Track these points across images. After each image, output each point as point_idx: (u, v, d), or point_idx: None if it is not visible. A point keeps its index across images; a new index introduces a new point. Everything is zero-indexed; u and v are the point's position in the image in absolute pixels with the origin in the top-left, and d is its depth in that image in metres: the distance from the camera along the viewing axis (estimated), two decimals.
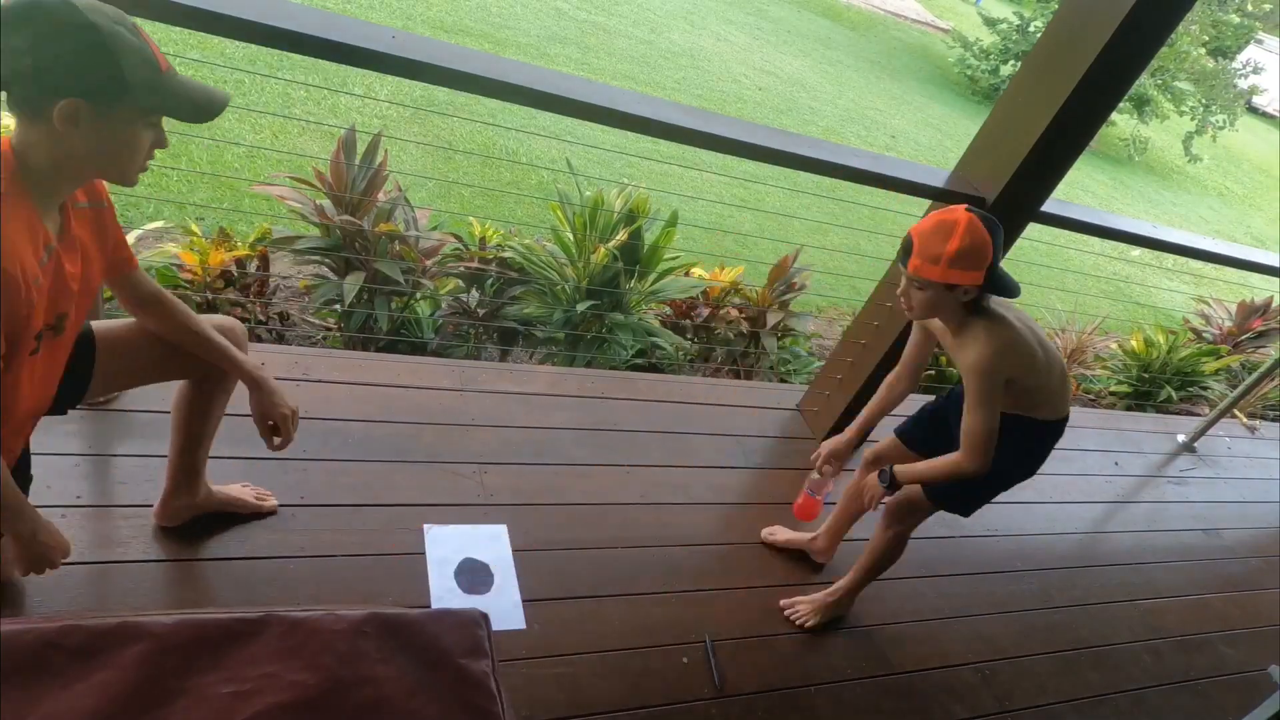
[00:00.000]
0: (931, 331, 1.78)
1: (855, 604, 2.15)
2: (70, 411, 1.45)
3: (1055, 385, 1.70)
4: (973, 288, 1.50)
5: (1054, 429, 1.75)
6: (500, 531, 2.04)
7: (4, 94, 0.95)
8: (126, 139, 1.02)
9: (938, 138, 9.73)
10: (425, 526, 1.97)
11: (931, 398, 2.11)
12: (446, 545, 1.96)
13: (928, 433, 1.97)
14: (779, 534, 2.28)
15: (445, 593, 1.85)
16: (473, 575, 1.92)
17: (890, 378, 1.97)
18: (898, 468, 1.73)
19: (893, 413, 2.02)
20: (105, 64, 0.95)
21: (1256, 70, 13.81)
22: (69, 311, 1.12)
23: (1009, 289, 1.53)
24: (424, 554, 1.89)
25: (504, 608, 1.88)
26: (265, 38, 1.45)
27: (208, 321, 1.42)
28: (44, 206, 1.02)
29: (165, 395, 1.61)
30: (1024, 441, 1.74)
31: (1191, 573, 2.92)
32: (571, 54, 7.65)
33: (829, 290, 5.41)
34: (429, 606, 1.77)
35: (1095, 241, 2.89)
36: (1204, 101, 12.56)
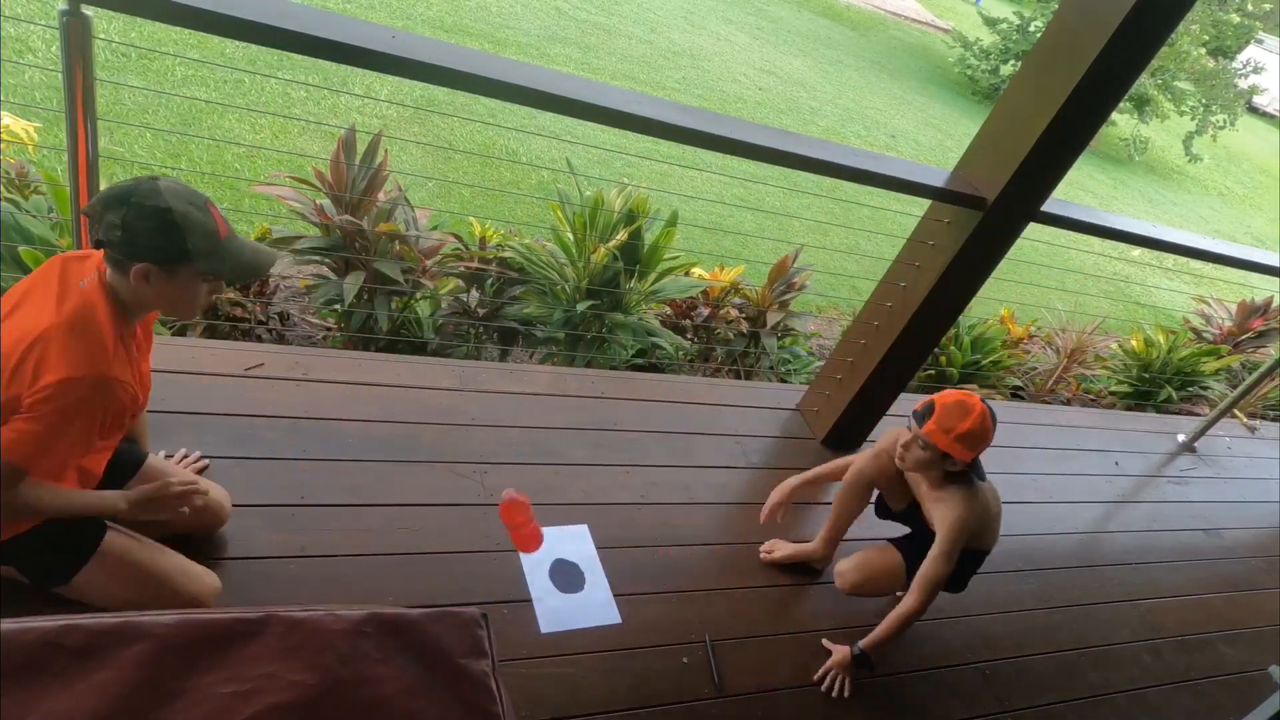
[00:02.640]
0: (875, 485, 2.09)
1: (855, 604, 2.16)
2: None
3: (995, 528, 2.03)
4: (961, 462, 1.80)
5: (983, 556, 2.08)
6: (583, 531, 2.11)
7: (103, 251, 1.25)
8: (186, 292, 1.31)
9: (938, 138, 9.73)
10: None
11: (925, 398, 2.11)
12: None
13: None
14: (777, 551, 2.25)
15: (545, 593, 1.93)
16: (566, 575, 1.99)
17: (846, 484, 2.13)
18: (865, 644, 1.92)
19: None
20: (174, 239, 1.23)
21: (1257, 70, 13.80)
22: (135, 401, 1.38)
23: (981, 474, 1.91)
24: (421, 553, 1.89)
25: (599, 603, 1.96)
26: (265, 38, 1.45)
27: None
28: (127, 325, 1.34)
29: (166, 397, 1.60)
30: (963, 565, 2.01)
31: (1192, 573, 2.92)
32: (571, 54, 7.65)
33: (829, 290, 5.41)
34: (469, 609, 1.76)
35: (1095, 241, 2.89)
36: (1204, 101, 12.56)
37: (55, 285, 1.28)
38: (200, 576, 1.55)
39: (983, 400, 1.78)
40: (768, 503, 2.10)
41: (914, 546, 2.06)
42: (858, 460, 2.08)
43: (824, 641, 2.05)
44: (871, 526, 2.20)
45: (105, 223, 1.21)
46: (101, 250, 1.27)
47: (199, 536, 1.71)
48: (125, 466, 1.57)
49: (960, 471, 1.86)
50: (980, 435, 1.76)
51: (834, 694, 1.96)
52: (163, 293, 1.28)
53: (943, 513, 1.86)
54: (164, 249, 1.23)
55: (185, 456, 1.87)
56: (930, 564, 1.85)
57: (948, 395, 1.80)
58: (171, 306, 1.33)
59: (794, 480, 2.11)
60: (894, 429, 1.99)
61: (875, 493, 2.14)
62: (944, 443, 1.75)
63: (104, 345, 1.24)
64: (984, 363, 4.07)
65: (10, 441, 1.21)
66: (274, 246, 2.88)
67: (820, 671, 1.99)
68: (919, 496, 1.98)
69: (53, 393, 1.20)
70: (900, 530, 2.15)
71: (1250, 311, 5.04)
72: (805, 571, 2.25)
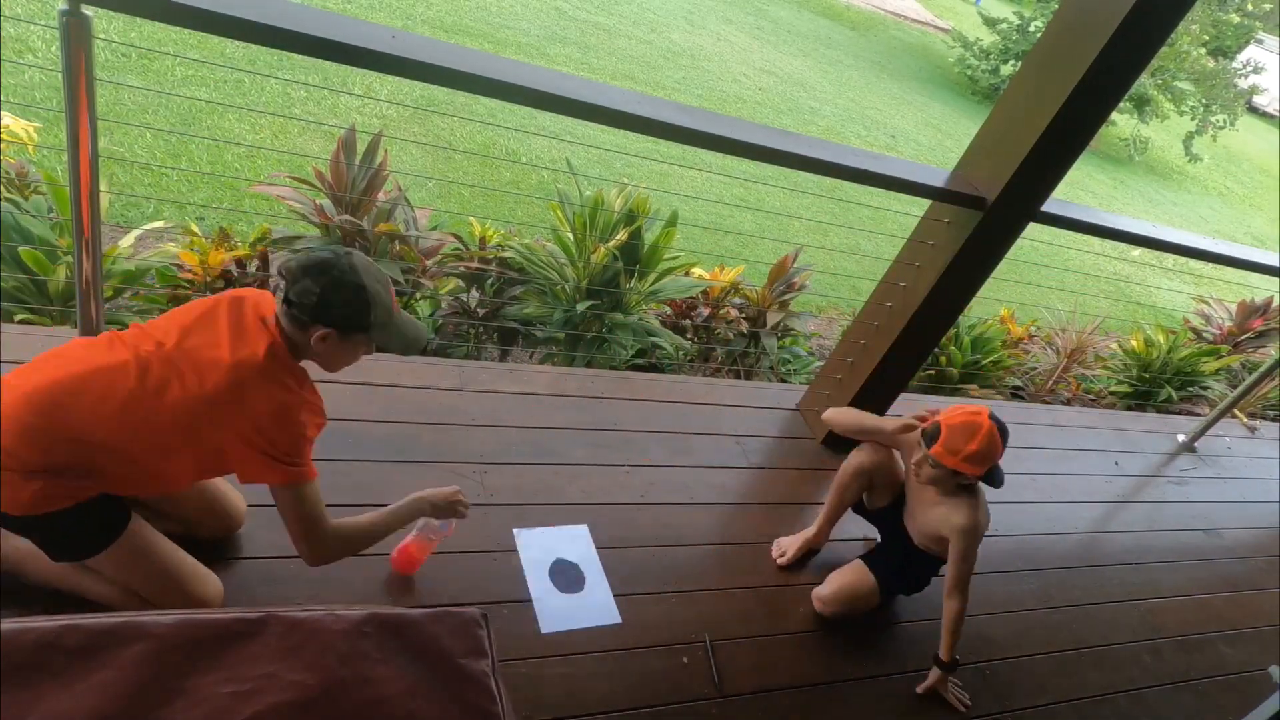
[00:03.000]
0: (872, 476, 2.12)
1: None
2: None
3: None
4: (972, 478, 1.85)
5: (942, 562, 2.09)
6: (583, 531, 2.11)
7: (284, 306, 1.34)
8: (350, 353, 1.44)
9: (938, 138, 9.73)
10: (515, 531, 2.03)
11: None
12: (536, 547, 2.02)
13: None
14: (789, 551, 2.25)
15: (545, 593, 1.93)
16: (566, 575, 1.99)
17: (844, 474, 2.16)
18: (944, 655, 2.00)
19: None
20: (362, 313, 1.36)
21: (1256, 70, 13.79)
22: None
23: (997, 482, 1.88)
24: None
25: (600, 604, 1.96)
26: (265, 38, 1.45)
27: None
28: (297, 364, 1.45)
29: None
30: (932, 567, 2.12)
31: (1191, 573, 2.92)
32: (571, 54, 7.65)
33: (829, 290, 5.41)
34: (466, 614, 1.76)
35: (1095, 241, 2.89)
36: (1204, 101, 12.56)
37: (233, 320, 1.37)
38: (208, 580, 1.57)
39: (991, 415, 1.82)
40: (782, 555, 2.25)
41: (883, 559, 2.12)
42: (856, 452, 2.12)
43: (918, 689, 2.06)
44: (841, 527, 2.27)
45: (300, 286, 1.31)
46: (269, 296, 1.39)
47: (207, 538, 1.71)
48: None
49: (968, 486, 1.92)
50: (988, 454, 1.81)
51: (961, 707, 2.05)
52: (331, 352, 1.40)
53: (954, 516, 1.90)
54: (351, 320, 1.36)
55: None
56: (955, 567, 1.92)
57: (954, 415, 1.83)
58: (329, 363, 1.45)
59: (816, 532, 2.24)
60: (891, 419, 2.03)
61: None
62: (952, 463, 1.81)
63: (291, 380, 1.38)
64: (984, 363, 4.07)
65: (287, 475, 1.38)
66: (274, 247, 2.89)
67: (944, 694, 2.05)
68: (915, 501, 2.04)
69: (275, 424, 1.34)
70: (869, 529, 2.23)
71: (1250, 311, 5.04)
72: (805, 571, 2.25)
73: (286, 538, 1.79)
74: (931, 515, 1.96)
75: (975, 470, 1.82)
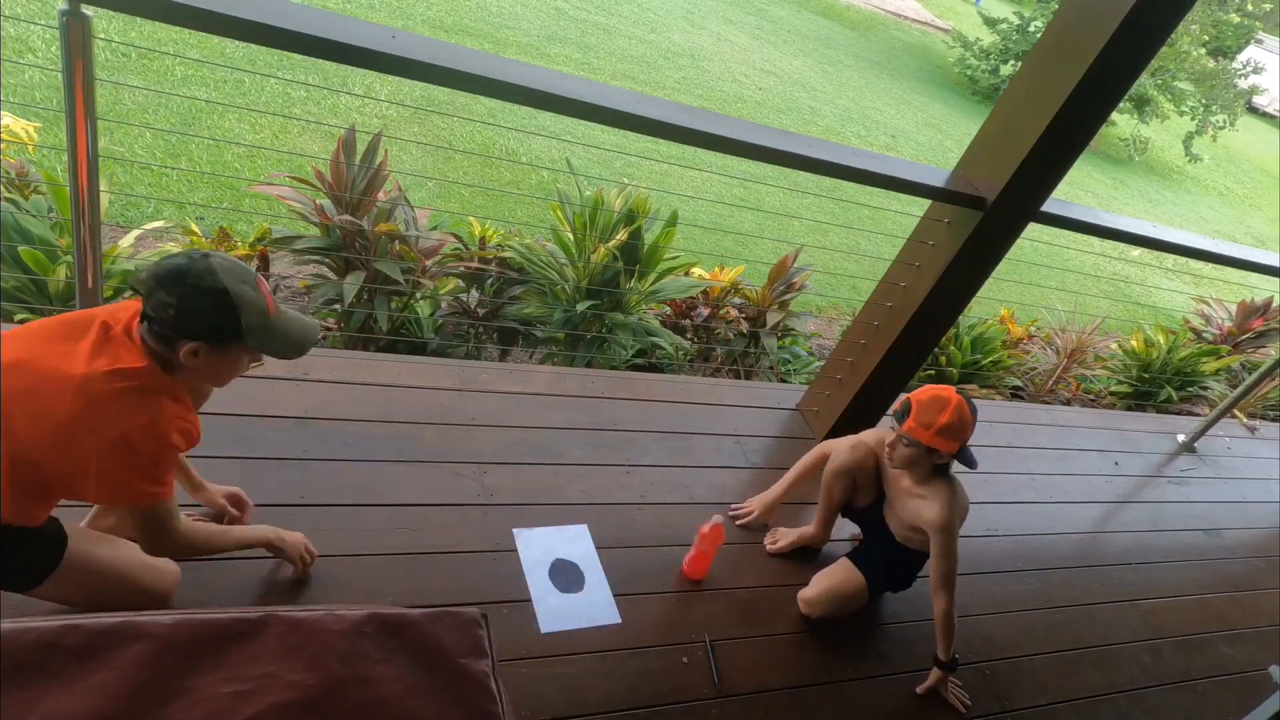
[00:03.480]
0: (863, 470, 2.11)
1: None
2: None
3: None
4: (947, 454, 1.84)
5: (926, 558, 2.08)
6: (583, 531, 2.11)
7: (145, 323, 1.22)
8: (230, 365, 1.32)
9: (938, 138, 9.73)
10: (515, 530, 2.03)
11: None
12: (536, 547, 2.02)
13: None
14: (780, 540, 2.28)
15: (545, 593, 1.93)
16: (566, 575, 1.99)
17: (827, 475, 2.16)
18: (942, 655, 2.01)
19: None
20: (230, 319, 1.23)
21: (1256, 70, 13.79)
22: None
23: (971, 462, 1.88)
24: (421, 553, 1.90)
25: (599, 604, 1.96)
26: (265, 38, 1.45)
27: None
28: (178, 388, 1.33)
29: None
30: (916, 563, 2.11)
31: (1191, 573, 2.92)
32: (571, 54, 7.65)
33: (829, 290, 5.41)
34: (466, 613, 1.77)
35: (1095, 241, 2.89)
36: (1204, 101, 12.56)
37: (93, 336, 1.24)
38: (163, 568, 1.52)
39: (958, 390, 1.83)
40: (748, 515, 2.28)
41: (868, 556, 2.12)
42: (836, 454, 2.12)
43: (918, 689, 2.06)
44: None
45: (156, 300, 1.19)
46: (135, 307, 1.25)
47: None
48: None
49: (944, 465, 1.92)
50: (960, 426, 1.80)
51: (961, 707, 2.05)
52: (207, 366, 1.27)
53: (928, 511, 1.91)
54: (219, 329, 1.23)
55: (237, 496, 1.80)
56: (937, 564, 1.91)
57: (923, 392, 1.84)
58: (212, 377, 1.34)
59: (773, 494, 2.28)
60: (874, 429, 2.04)
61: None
62: (926, 437, 1.80)
63: (150, 403, 1.24)
64: (984, 363, 4.07)
65: (143, 494, 1.26)
66: (274, 246, 2.89)
67: (944, 694, 2.06)
68: (893, 493, 2.04)
69: (129, 447, 1.21)
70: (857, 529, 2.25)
71: (1250, 311, 5.04)
72: (804, 568, 2.25)
73: None
74: (909, 506, 1.96)
75: (949, 445, 1.81)
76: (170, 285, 1.19)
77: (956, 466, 1.92)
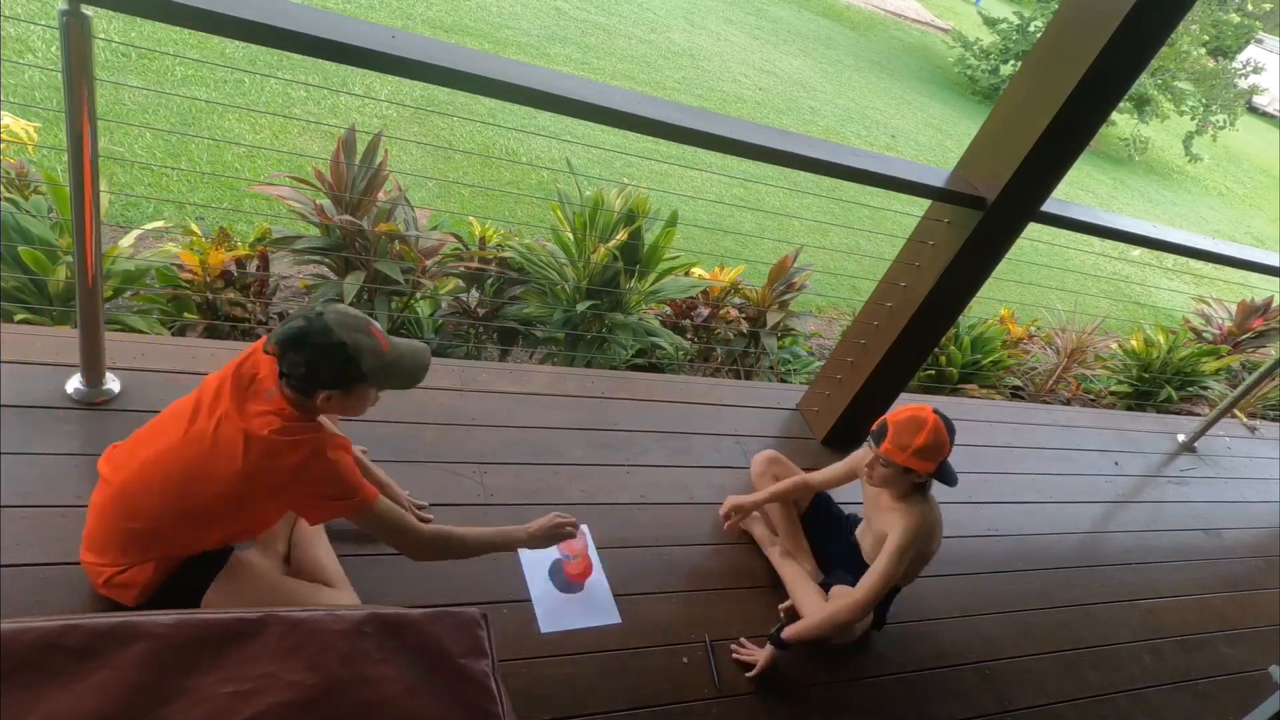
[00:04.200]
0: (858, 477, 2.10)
1: None
2: (70, 412, 1.86)
3: (938, 539, 2.00)
4: (924, 474, 1.84)
5: (896, 591, 2.09)
6: (583, 531, 2.10)
7: (284, 379, 1.40)
8: (360, 401, 1.47)
9: (938, 138, 9.73)
10: None
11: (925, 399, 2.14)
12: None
13: (819, 527, 2.26)
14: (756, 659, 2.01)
15: (545, 593, 1.93)
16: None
17: (809, 480, 2.20)
18: (787, 631, 1.92)
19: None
20: (351, 368, 1.39)
21: (1256, 70, 13.78)
22: None
23: (950, 480, 1.87)
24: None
25: (599, 603, 1.96)
26: (265, 38, 1.45)
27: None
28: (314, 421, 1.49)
29: (166, 397, 1.60)
30: (890, 596, 2.08)
31: (1191, 573, 2.92)
32: (571, 54, 7.65)
33: (829, 290, 5.41)
34: (466, 612, 1.77)
35: (1095, 241, 2.90)
36: (1204, 101, 12.56)
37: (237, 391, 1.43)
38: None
39: (935, 410, 1.84)
40: (731, 512, 2.20)
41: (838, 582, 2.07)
42: (818, 478, 2.18)
43: (749, 675, 1.94)
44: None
45: (288, 361, 1.37)
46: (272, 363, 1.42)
47: None
48: None
49: (924, 484, 1.92)
50: (936, 446, 1.81)
51: (748, 672, 1.93)
52: (341, 406, 1.43)
53: (895, 521, 1.91)
54: (345, 378, 1.39)
55: None
56: (874, 571, 1.87)
57: (900, 413, 1.85)
58: (347, 413, 1.49)
59: (750, 500, 2.20)
60: (864, 451, 2.00)
61: (807, 505, 2.26)
62: (902, 459, 1.80)
63: (304, 434, 1.40)
64: (984, 363, 4.07)
65: (353, 507, 1.44)
66: (274, 246, 2.89)
67: (743, 651, 1.96)
68: (871, 511, 2.05)
69: (309, 475, 1.40)
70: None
71: (1250, 311, 5.04)
72: None
73: None
74: (884, 519, 1.95)
75: (925, 465, 1.81)
76: (298, 347, 1.36)
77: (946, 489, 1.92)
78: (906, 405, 1.87)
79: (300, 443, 1.38)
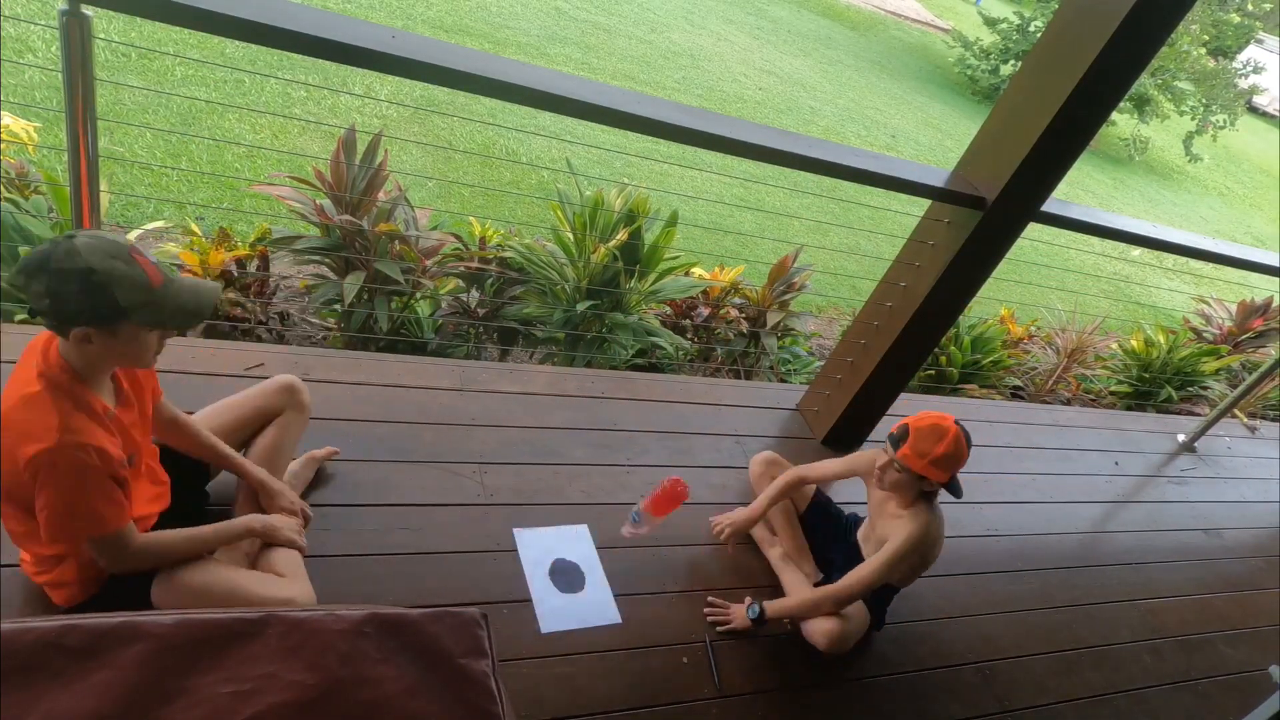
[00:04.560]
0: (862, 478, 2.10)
1: None
2: None
3: (936, 553, 1.98)
4: (936, 483, 1.84)
5: (894, 592, 2.08)
6: (584, 531, 2.11)
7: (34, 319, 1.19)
8: (133, 346, 1.27)
9: (938, 138, 9.73)
10: (515, 530, 2.03)
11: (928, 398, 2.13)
12: (536, 547, 2.02)
13: (819, 528, 2.25)
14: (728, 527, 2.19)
15: (545, 593, 1.93)
16: (566, 575, 1.99)
17: (804, 474, 2.18)
18: (768, 605, 1.97)
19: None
20: (104, 298, 1.18)
21: (1257, 70, 13.79)
22: (136, 450, 1.41)
23: (957, 491, 1.88)
24: (420, 553, 1.90)
25: (600, 604, 1.96)
26: (265, 38, 1.45)
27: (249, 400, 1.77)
28: (96, 388, 1.30)
29: (166, 397, 1.60)
30: (884, 597, 2.08)
31: (1191, 573, 2.92)
32: (571, 54, 7.65)
33: (829, 290, 5.41)
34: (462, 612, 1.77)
35: (1095, 241, 2.89)
36: (1204, 101, 12.56)
37: (19, 366, 1.28)
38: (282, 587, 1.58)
39: (956, 422, 1.83)
40: (726, 529, 2.15)
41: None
42: (814, 472, 2.16)
43: (720, 629, 2.01)
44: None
45: (31, 292, 1.17)
46: None
47: None
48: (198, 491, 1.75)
49: (931, 492, 1.91)
50: (955, 458, 1.80)
51: (716, 627, 1.99)
52: (109, 350, 1.25)
53: (899, 526, 1.90)
54: (96, 309, 1.18)
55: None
56: (866, 567, 1.89)
57: (922, 419, 1.83)
58: (123, 360, 1.31)
59: (749, 514, 2.15)
60: (871, 451, 2.01)
61: (805, 505, 2.25)
62: (919, 466, 1.80)
63: (51, 417, 1.21)
64: (984, 363, 4.07)
65: (82, 530, 1.27)
66: (274, 246, 2.89)
67: (715, 609, 2.02)
68: (876, 514, 2.04)
69: (40, 480, 1.21)
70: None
71: (1250, 311, 5.04)
72: None
73: None
74: (888, 525, 1.95)
75: (941, 475, 1.81)
76: (37, 275, 1.15)
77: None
78: (928, 412, 1.86)
79: (45, 423, 1.19)
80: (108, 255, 1.18)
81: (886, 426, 2.10)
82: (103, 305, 1.18)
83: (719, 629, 1.99)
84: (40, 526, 1.26)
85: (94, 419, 1.26)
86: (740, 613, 2.01)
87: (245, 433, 1.77)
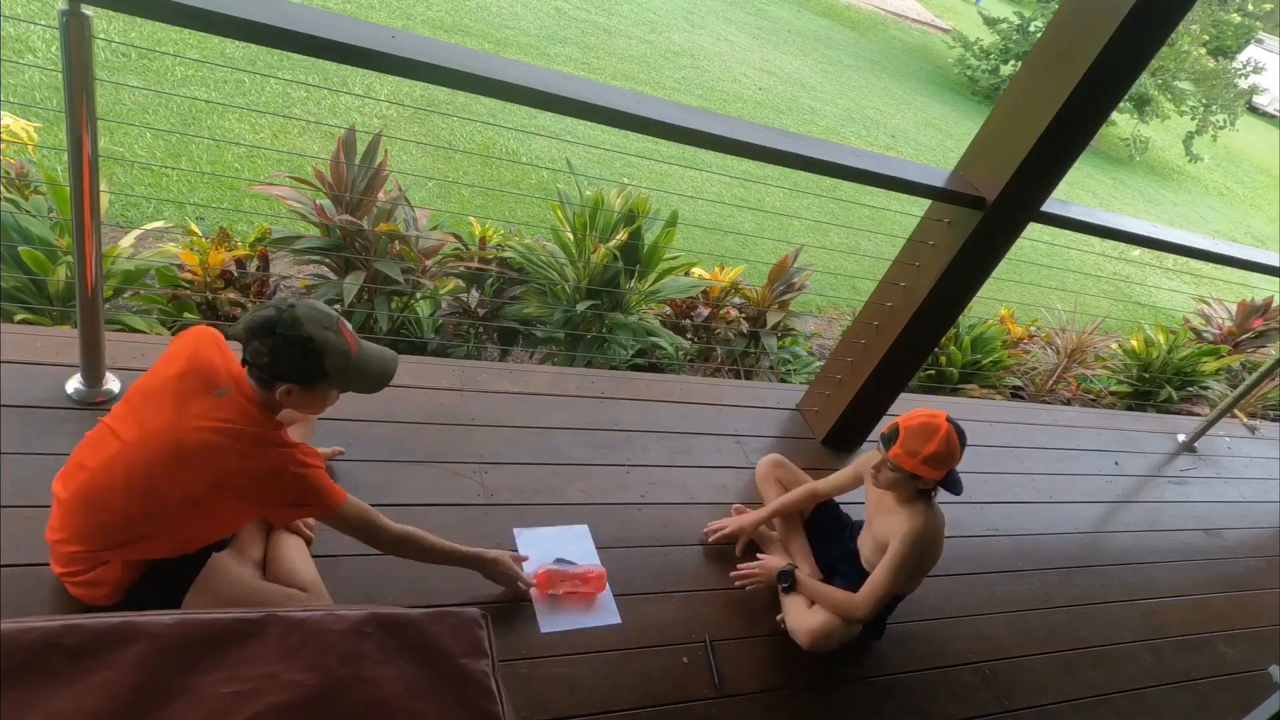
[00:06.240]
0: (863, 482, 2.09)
1: None
2: (70, 412, 1.87)
3: (938, 553, 1.98)
4: (932, 481, 1.82)
5: (898, 600, 2.07)
6: (584, 531, 2.11)
7: (246, 367, 1.39)
8: (320, 399, 1.46)
9: (938, 138, 9.73)
10: (515, 530, 2.03)
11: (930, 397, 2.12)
12: (538, 547, 2.02)
13: (822, 529, 2.25)
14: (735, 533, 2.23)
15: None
16: None
17: (817, 488, 2.21)
18: (801, 578, 2.03)
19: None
20: (314, 363, 1.37)
21: (1257, 70, 13.79)
22: None
23: (956, 488, 1.86)
24: None
25: (599, 603, 1.95)
26: (265, 38, 1.44)
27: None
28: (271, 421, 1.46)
29: None
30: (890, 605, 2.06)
31: (1191, 573, 2.92)
32: (571, 54, 7.65)
33: (829, 290, 5.41)
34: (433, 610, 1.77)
35: (1095, 241, 2.90)
36: (1204, 101, 12.56)
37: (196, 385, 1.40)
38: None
39: (949, 418, 1.82)
40: (721, 531, 2.20)
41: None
42: (825, 486, 2.18)
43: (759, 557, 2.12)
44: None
45: (251, 349, 1.35)
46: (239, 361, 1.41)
47: None
48: None
49: (928, 489, 1.91)
50: (946, 456, 1.79)
51: (743, 588, 2.06)
52: (301, 402, 1.42)
53: (898, 526, 1.90)
54: (306, 373, 1.37)
55: None
56: (880, 572, 1.90)
57: (913, 418, 1.83)
58: (305, 410, 1.48)
59: (754, 518, 2.20)
60: (872, 452, 2.00)
61: (812, 508, 2.26)
62: (911, 465, 1.79)
63: (270, 436, 1.39)
64: (984, 363, 4.07)
65: (329, 514, 1.48)
66: (274, 246, 2.89)
67: (744, 569, 2.07)
68: (874, 513, 2.04)
69: (279, 489, 1.40)
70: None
71: (1250, 311, 5.04)
72: None
73: None
74: (887, 522, 1.94)
75: (934, 473, 1.80)
76: (263, 335, 1.33)
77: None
78: (920, 410, 1.85)
79: (266, 452, 1.37)
80: (322, 326, 1.37)
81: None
82: (312, 370, 1.37)
83: (745, 587, 2.06)
84: (273, 514, 1.53)
85: (290, 443, 1.45)
86: (774, 564, 2.06)
87: None
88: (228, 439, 1.34)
